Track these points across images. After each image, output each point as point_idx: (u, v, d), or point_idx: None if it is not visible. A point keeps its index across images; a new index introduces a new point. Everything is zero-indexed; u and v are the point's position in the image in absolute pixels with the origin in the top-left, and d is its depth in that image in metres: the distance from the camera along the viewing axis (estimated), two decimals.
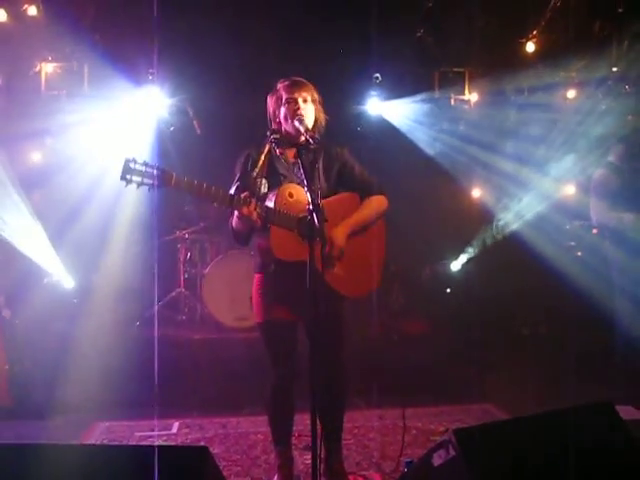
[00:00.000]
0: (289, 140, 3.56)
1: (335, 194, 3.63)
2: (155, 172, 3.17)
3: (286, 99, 3.51)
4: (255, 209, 3.28)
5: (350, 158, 3.73)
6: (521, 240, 7.06)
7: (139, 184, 3.15)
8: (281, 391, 3.73)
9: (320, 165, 3.59)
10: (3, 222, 6.04)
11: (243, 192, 3.33)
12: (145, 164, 3.17)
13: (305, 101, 3.52)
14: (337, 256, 3.49)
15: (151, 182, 3.16)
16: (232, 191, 3.38)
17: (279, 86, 3.59)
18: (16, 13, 6.26)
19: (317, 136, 3.53)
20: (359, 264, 3.61)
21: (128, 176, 3.13)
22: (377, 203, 3.70)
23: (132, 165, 3.14)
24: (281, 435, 3.81)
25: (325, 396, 3.49)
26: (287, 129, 3.53)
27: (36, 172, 6.78)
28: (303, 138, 3.43)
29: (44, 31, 6.43)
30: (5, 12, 6.18)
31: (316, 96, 3.59)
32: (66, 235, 6.46)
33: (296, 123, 3.43)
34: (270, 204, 3.38)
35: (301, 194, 3.38)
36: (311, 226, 2.99)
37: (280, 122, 3.56)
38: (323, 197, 3.45)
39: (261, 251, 3.58)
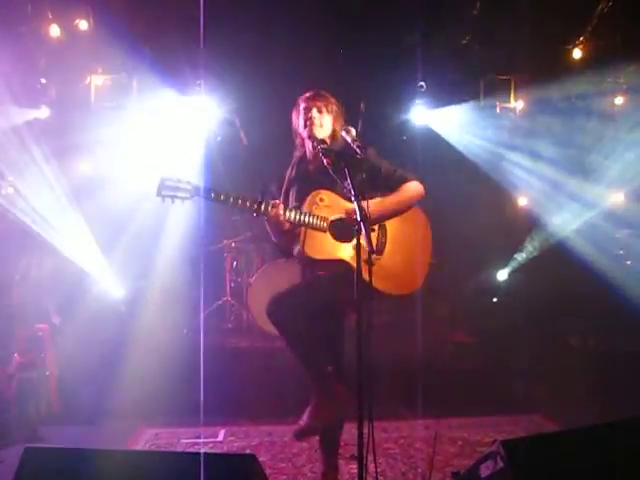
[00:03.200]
0: (314, 148, 3.61)
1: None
2: (187, 186, 3.40)
3: (303, 108, 3.65)
4: (283, 212, 3.42)
5: (376, 159, 3.70)
6: (569, 249, 6.96)
7: (173, 199, 3.39)
8: None
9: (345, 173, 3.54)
10: (55, 231, 6.18)
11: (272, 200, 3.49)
12: (178, 180, 3.41)
13: (320, 111, 3.61)
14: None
15: (183, 196, 3.39)
16: (259, 199, 3.49)
17: (300, 98, 3.72)
18: (68, 28, 6.42)
19: (338, 144, 3.58)
20: (400, 261, 3.61)
21: (163, 192, 3.39)
22: (410, 188, 3.67)
23: (166, 182, 3.39)
24: (327, 443, 3.80)
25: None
26: (304, 136, 3.65)
27: (87, 182, 6.92)
28: (320, 143, 3.52)
29: (94, 44, 6.57)
30: (58, 27, 6.34)
31: (334, 108, 3.67)
32: (116, 244, 6.58)
33: (314, 129, 3.58)
34: (302, 208, 3.51)
35: (332, 199, 3.52)
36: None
37: (300, 133, 3.68)
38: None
39: (299, 260, 3.67)
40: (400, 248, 3.62)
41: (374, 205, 3.42)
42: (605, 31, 6.83)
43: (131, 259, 6.67)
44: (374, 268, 3.41)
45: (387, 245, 3.61)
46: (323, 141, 3.57)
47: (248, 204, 3.43)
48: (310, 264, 3.59)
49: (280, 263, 6.86)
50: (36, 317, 5.51)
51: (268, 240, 7.10)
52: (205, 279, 7.01)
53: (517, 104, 7.64)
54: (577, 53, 7.19)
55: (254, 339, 6.73)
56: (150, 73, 6.73)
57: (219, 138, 7.44)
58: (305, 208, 3.51)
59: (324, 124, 3.61)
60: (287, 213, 3.44)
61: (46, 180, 6.22)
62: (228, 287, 7.41)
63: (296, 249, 3.61)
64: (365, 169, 3.60)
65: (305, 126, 3.61)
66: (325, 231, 3.48)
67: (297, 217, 3.46)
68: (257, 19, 6.53)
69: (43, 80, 6.75)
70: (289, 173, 3.74)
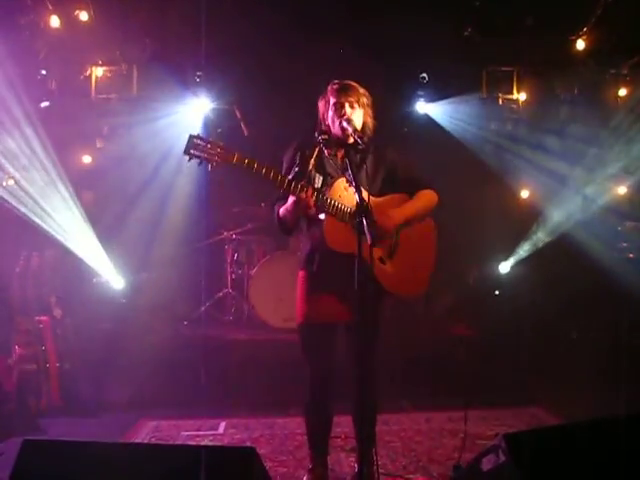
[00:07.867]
0: (337, 142, 3.57)
1: (384, 195, 3.63)
2: (218, 149, 3.25)
3: (333, 103, 3.54)
4: (312, 196, 3.35)
5: (398, 157, 3.72)
6: (571, 241, 6.93)
7: (201, 160, 3.24)
8: (317, 395, 3.68)
9: (368, 167, 3.57)
10: (54, 222, 6.16)
11: (301, 181, 3.39)
12: (209, 141, 3.26)
13: (352, 106, 3.52)
14: (389, 233, 3.51)
15: (214, 159, 3.25)
16: (290, 177, 3.42)
17: (329, 89, 3.60)
18: (68, 19, 6.39)
19: (365, 139, 3.54)
20: (409, 265, 3.61)
21: (192, 151, 3.23)
22: (428, 197, 3.70)
23: (196, 141, 3.24)
24: (316, 439, 3.78)
25: (357, 401, 3.50)
26: (335, 132, 3.55)
27: (86, 173, 6.90)
28: (351, 139, 3.45)
29: (95, 36, 6.54)
30: (58, 18, 6.30)
31: (365, 100, 3.59)
32: (116, 235, 6.56)
33: (344, 124, 3.46)
34: (327, 194, 3.44)
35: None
36: (360, 228, 3.00)
37: (329, 125, 3.58)
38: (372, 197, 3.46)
39: (312, 242, 3.59)
40: (410, 252, 3.60)
41: (396, 212, 3.53)
42: (609, 22, 6.77)
43: (131, 251, 6.66)
44: (385, 268, 3.54)
45: (398, 248, 3.59)
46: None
47: (279, 179, 3.33)
48: (322, 249, 3.51)
49: (281, 255, 6.86)
50: (37, 309, 5.49)
51: (268, 232, 7.17)
52: (206, 271, 7.00)
53: (520, 96, 7.60)
54: (580, 44, 7.12)
55: (255, 331, 6.73)
56: (150, 64, 6.70)
57: (220, 130, 7.41)
58: (331, 195, 3.44)
59: (356, 119, 3.52)
60: (318, 198, 3.37)
61: (46, 172, 6.20)
62: (229, 279, 7.40)
63: (310, 232, 3.59)
64: (385, 167, 3.66)
65: (339, 123, 3.49)
66: (347, 223, 3.40)
67: (327, 203, 3.39)
68: (257, 9, 6.50)
69: (43, 72, 6.71)
70: (312, 161, 3.59)
